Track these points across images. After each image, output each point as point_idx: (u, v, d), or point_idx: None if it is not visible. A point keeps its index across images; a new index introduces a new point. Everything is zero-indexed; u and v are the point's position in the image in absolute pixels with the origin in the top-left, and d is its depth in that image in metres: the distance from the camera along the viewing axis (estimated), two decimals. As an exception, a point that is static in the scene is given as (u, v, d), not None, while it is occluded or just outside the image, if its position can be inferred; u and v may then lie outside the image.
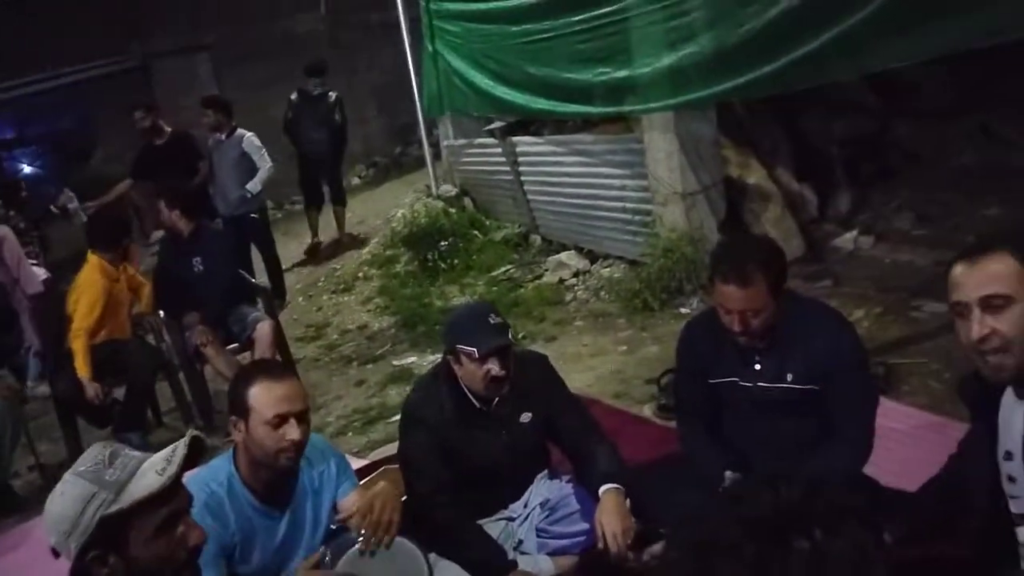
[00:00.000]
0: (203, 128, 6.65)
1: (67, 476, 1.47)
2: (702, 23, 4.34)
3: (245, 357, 4.70)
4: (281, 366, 2.25)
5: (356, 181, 11.27)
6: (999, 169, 5.39)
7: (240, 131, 6.49)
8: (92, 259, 4.51)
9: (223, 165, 6.50)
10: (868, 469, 2.37)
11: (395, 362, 5.31)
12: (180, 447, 1.48)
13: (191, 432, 1.54)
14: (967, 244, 1.69)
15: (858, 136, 5.87)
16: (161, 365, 4.63)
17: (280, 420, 2.06)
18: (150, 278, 4.91)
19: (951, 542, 1.91)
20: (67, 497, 1.43)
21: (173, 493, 1.47)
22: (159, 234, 8.41)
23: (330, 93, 7.83)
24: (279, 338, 4.94)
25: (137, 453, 1.50)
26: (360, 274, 7.22)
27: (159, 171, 6.45)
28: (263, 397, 2.06)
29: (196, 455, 1.53)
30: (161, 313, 4.75)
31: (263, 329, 4.65)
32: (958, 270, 1.63)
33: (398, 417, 4.27)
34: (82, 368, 4.22)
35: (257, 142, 6.50)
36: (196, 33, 10.43)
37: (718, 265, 2.34)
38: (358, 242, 8.00)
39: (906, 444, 2.84)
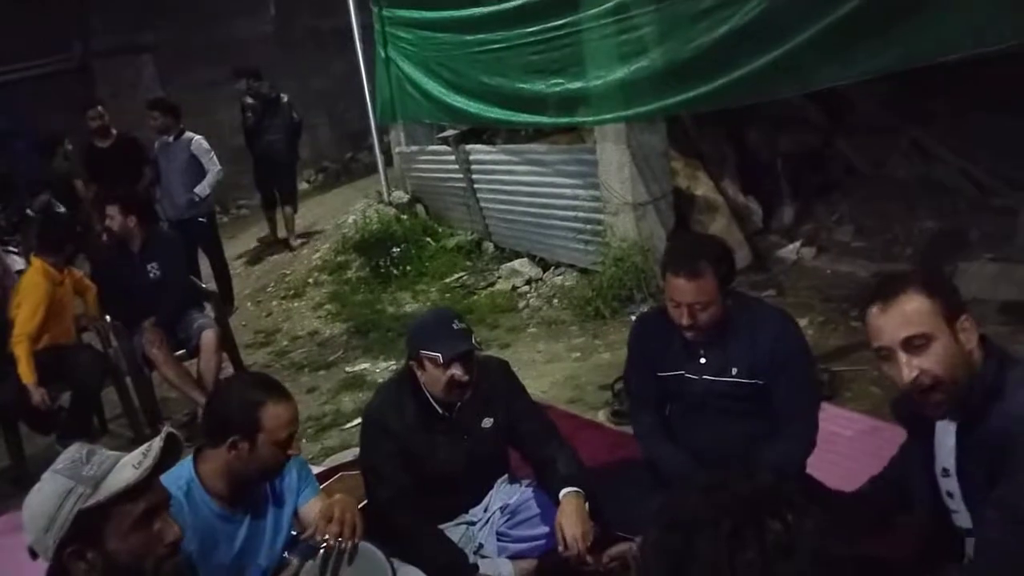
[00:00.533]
0: (148, 130, 6.54)
1: (45, 475, 1.49)
2: (653, 38, 4.46)
3: (192, 364, 4.65)
4: (278, 383, 2.26)
5: (305, 186, 11.16)
6: (931, 183, 5.64)
7: (189, 134, 6.39)
8: (35, 262, 4.42)
9: (171, 168, 6.37)
10: (813, 472, 2.47)
11: (348, 369, 5.29)
12: (156, 443, 1.51)
13: (167, 429, 1.56)
14: (876, 285, 1.73)
15: (801, 150, 6.08)
16: (108, 370, 4.53)
17: (288, 439, 2.12)
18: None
19: (891, 541, 1.98)
20: (44, 494, 1.45)
21: (149, 488, 1.49)
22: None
23: (282, 94, 7.83)
24: (228, 345, 4.90)
25: (113, 452, 1.52)
26: (311, 280, 7.17)
27: (103, 174, 6.33)
28: (277, 419, 2.09)
29: (172, 452, 1.55)
30: (108, 318, 4.66)
31: (208, 337, 4.60)
32: (872, 314, 1.66)
33: (352, 424, 4.34)
34: (26, 374, 4.11)
35: (206, 145, 6.42)
36: (140, 34, 10.22)
37: (670, 259, 2.45)
38: (309, 246, 7.93)
39: (849, 447, 2.97)
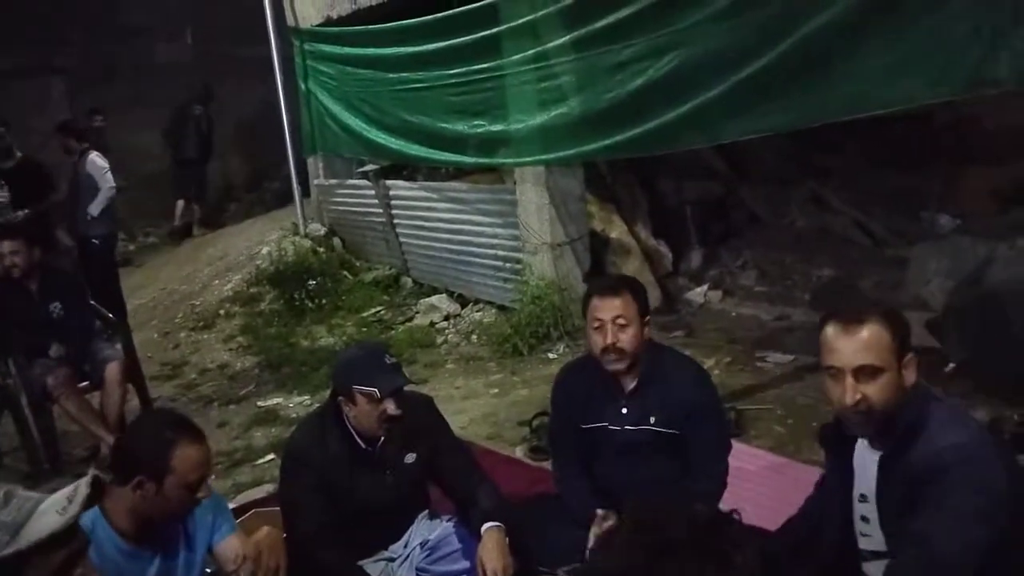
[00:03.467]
0: (55, 152, 6.58)
1: None
2: (572, 87, 4.65)
3: (94, 396, 4.48)
4: (192, 424, 2.21)
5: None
6: (828, 233, 6.01)
7: (88, 153, 6.40)
8: None
9: (77, 188, 6.40)
10: (720, 506, 2.59)
11: (260, 403, 5.18)
12: (82, 487, 1.46)
13: (92, 472, 1.53)
14: (842, 308, 1.86)
15: (707, 198, 6.39)
16: (5, 403, 4.32)
17: (200, 482, 2.07)
18: None
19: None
20: None
21: (72, 534, 1.45)
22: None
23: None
24: (135, 376, 4.74)
25: (33, 494, 1.47)
26: (222, 311, 7.01)
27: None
28: (188, 461, 2.04)
29: (96, 496, 1.51)
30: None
31: (112, 369, 4.45)
32: (831, 333, 1.77)
33: (265, 459, 4.26)
34: None
35: (100, 162, 6.41)
36: (50, 54, 9.89)
37: (593, 285, 2.67)
38: (220, 277, 7.76)
39: (754, 482, 3.12)
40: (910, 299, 4.76)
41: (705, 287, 5.68)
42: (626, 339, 2.47)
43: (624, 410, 2.58)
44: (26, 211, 6.14)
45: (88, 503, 1.47)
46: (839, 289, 5.27)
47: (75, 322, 4.51)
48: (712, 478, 2.53)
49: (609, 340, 2.46)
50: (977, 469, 1.65)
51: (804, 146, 5.99)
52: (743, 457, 3.27)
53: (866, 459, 1.87)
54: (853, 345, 1.74)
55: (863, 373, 1.73)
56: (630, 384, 2.57)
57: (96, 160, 6.38)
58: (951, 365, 3.97)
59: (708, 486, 2.50)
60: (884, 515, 1.82)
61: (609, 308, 2.47)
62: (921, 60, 3.09)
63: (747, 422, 3.83)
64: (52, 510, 1.42)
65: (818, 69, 3.45)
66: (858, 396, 1.73)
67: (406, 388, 2.51)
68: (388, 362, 2.41)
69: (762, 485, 3.10)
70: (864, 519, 1.89)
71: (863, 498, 1.88)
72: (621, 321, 2.45)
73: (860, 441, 1.89)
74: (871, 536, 1.88)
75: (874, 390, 1.73)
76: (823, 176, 6.21)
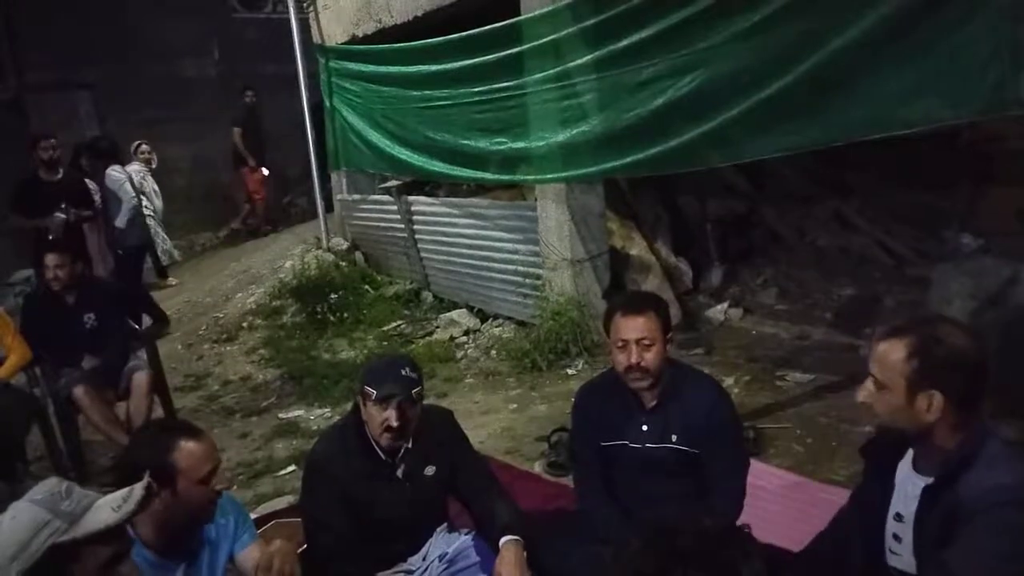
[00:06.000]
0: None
1: (19, 504, 1.49)
2: (593, 106, 4.68)
3: (120, 407, 4.56)
4: (187, 423, 2.25)
5: (239, 226, 11.08)
6: (849, 252, 5.98)
7: (108, 168, 6.87)
8: None
9: (105, 202, 6.89)
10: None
11: (281, 415, 5.24)
12: (138, 489, 1.53)
13: (147, 478, 1.59)
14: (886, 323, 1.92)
15: (728, 216, 6.39)
16: (34, 412, 4.40)
17: (210, 475, 2.09)
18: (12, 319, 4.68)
19: None
20: (18, 522, 1.45)
21: (121, 533, 1.52)
22: (24, 273, 8.08)
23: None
24: (160, 387, 4.82)
25: (90, 491, 1.54)
26: (244, 323, 7.09)
27: (47, 209, 6.21)
28: (192, 456, 2.06)
29: (149, 499, 1.58)
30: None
31: (140, 379, 4.53)
32: (873, 344, 1.84)
33: (286, 471, 4.30)
34: None
35: (115, 175, 6.84)
36: (79, 70, 10.09)
37: (616, 303, 2.62)
38: (243, 290, 7.86)
39: (772, 501, 3.12)
40: (932, 319, 4.71)
41: (725, 305, 5.67)
42: (650, 358, 2.47)
43: (644, 427, 2.58)
44: (77, 211, 6.32)
45: (142, 505, 1.53)
46: (861, 308, 5.25)
47: (109, 333, 4.59)
48: (729, 497, 2.52)
49: (633, 360, 2.47)
50: (1017, 512, 1.65)
51: (826, 164, 5.99)
52: (761, 476, 3.27)
53: (908, 479, 1.87)
54: (874, 362, 1.83)
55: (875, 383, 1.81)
56: (651, 401, 2.58)
57: (111, 174, 6.76)
58: (973, 386, 3.93)
59: (725, 505, 2.50)
60: (919, 541, 1.83)
61: (633, 328, 2.47)
62: (941, 81, 3.09)
63: (766, 441, 3.82)
64: (107, 507, 1.49)
65: (839, 89, 3.46)
66: (863, 394, 1.84)
67: (425, 402, 2.54)
68: (403, 374, 2.42)
69: (780, 504, 3.10)
70: (896, 537, 1.89)
71: (899, 517, 1.88)
72: (646, 342, 2.46)
73: (905, 459, 1.90)
74: (900, 556, 1.88)
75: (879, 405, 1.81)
76: (845, 194, 6.20)
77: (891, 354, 1.76)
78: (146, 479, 1.57)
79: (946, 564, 1.68)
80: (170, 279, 8.72)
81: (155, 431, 2.22)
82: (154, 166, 8.17)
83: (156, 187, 8.10)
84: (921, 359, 1.74)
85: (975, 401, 1.78)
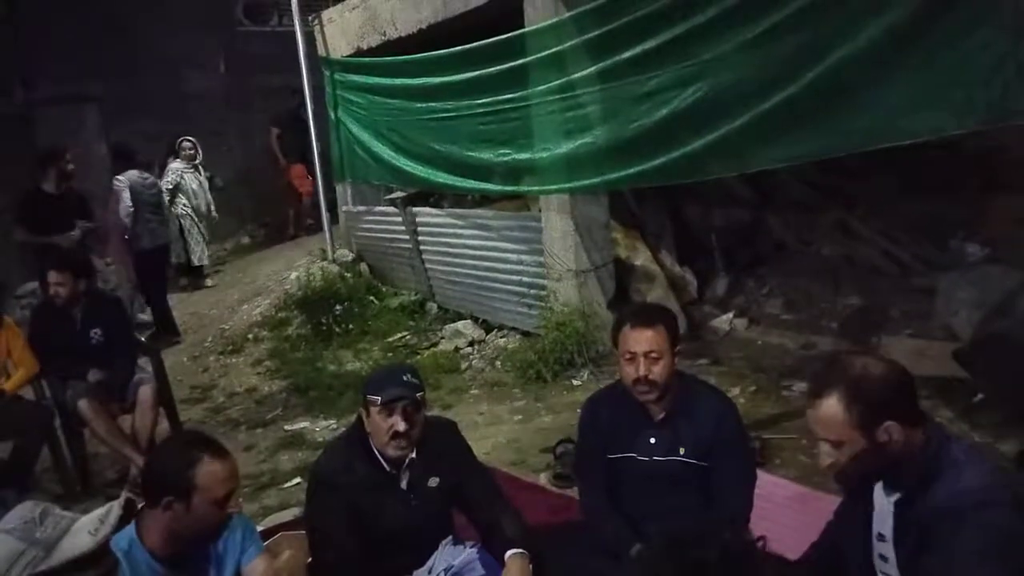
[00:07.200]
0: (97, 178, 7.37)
1: None
2: (597, 117, 4.69)
3: (126, 419, 4.56)
4: (215, 441, 2.25)
5: (246, 240, 11.11)
6: (855, 262, 5.96)
7: (115, 177, 7.15)
8: None
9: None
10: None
11: (287, 427, 5.24)
12: (115, 509, 1.51)
13: (125, 494, 1.57)
14: (810, 376, 1.91)
15: (733, 226, 6.38)
16: (49, 424, 4.42)
17: (226, 498, 2.10)
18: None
19: None
20: None
21: (102, 555, 1.50)
22: (31, 286, 8.12)
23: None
24: (165, 400, 4.82)
25: (67, 513, 1.52)
26: (250, 335, 7.11)
27: (51, 222, 6.22)
28: (213, 476, 2.07)
29: (128, 517, 1.55)
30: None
31: (145, 392, 4.55)
32: (807, 404, 1.85)
33: (292, 483, 4.30)
34: None
35: (115, 185, 7.05)
36: (85, 83, 10.15)
37: (625, 314, 2.61)
38: (249, 302, 7.87)
39: (778, 512, 3.10)
40: (938, 329, 4.72)
41: (730, 315, 5.66)
42: (658, 371, 2.48)
43: (652, 440, 2.58)
44: (83, 225, 6.33)
45: (120, 525, 1.51)
46: (867, 318, 5.23)
47: (115, 348, 4.62)
48: (735, 509, 2.52)
49: (641, 372, 2.47)
50: (992, 512, 1.67)
51: (831, 174, 5.98)
52: (768, 486, 3.26)
53: (883, 501, 1.88)
54: (815, 422, 1.85)
55: (829, 441, 1.82)
56: (659, 414, 2.58)
57: (114, 181, 7.07)
58: (979, 396, 3.92)
59: (733, 517, 2.49)
60: (901, 557, 1.83)
61: (642, 341, 2.47)
62: (945, 91, 3.10)
63: (772, 451, 3.81)
64: (85, 530, 1.47)
65: (843, 100, 3.47)
66: (829, 460, 1.84)
67: (430, 414, 2.54)
68: (404, 379, 2.43)
69: (786, 515, 3.08)
70: (883, 558, 1.89)
71: (881, 537, 1.89)
72: (654, 355, 2.47)
73: (878, 484, 1.90)
74: (890, 575, 1.88)
75: (842, 456, 1.81)
76: (850, 204, 6.18)
77: (830, 413, 1.78)
78: (123, 497, 1.55)
79: (933, 574, 1.69)
80: (207, 280, 8.88)
81: (183, 442, 2.22)
82: (198, 161, 8.29)
83: (204, 183, 8.34)
84: (859, 402, 1.77)
85: (917, 409, 1.83)
